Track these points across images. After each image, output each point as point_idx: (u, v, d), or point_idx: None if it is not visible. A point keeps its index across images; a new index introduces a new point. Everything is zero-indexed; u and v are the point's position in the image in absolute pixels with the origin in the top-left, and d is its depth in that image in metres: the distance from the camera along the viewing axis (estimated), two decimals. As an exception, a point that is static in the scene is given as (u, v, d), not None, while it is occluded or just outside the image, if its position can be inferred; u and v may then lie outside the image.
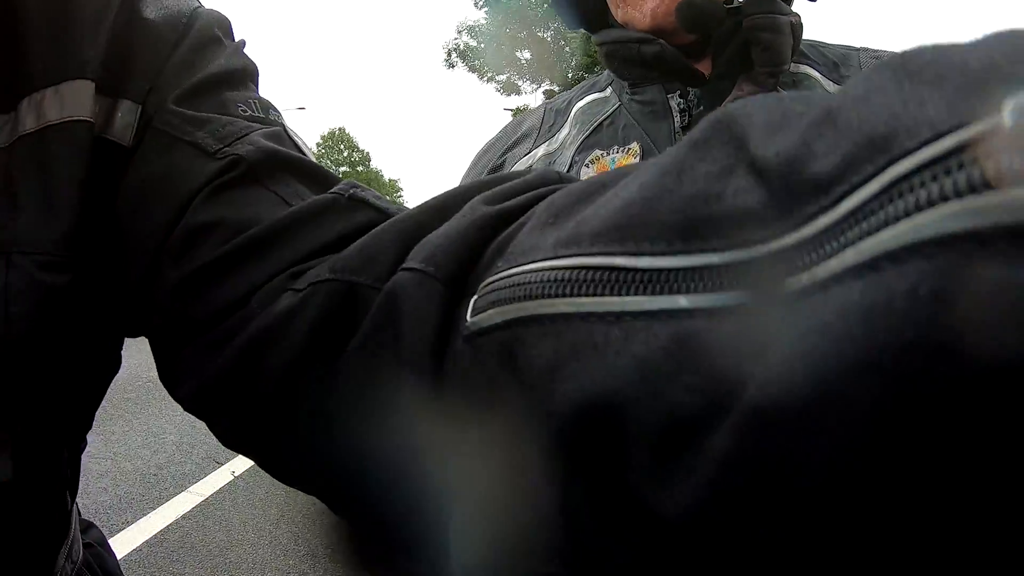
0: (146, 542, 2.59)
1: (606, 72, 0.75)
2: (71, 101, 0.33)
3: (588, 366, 0.17)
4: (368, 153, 38.07)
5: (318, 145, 37.28)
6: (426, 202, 0.29)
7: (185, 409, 0.33)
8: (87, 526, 0.49)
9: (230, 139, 0.33)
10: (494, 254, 0.23)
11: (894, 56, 0.14)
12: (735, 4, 0.62)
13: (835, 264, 0.13)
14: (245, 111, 0.35)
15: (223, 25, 0.39)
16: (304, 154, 0.36)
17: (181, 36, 0.36)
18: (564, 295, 0.18)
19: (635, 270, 0.16)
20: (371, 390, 0.25)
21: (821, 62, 0.69)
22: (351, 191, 0.32)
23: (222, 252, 0.30)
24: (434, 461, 0.23)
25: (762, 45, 0.62)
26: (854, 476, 0.12)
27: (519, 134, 0.77)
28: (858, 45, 0.72)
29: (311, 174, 0.35)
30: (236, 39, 0.40)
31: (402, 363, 0.24)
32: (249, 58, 0.39)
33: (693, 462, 0.15)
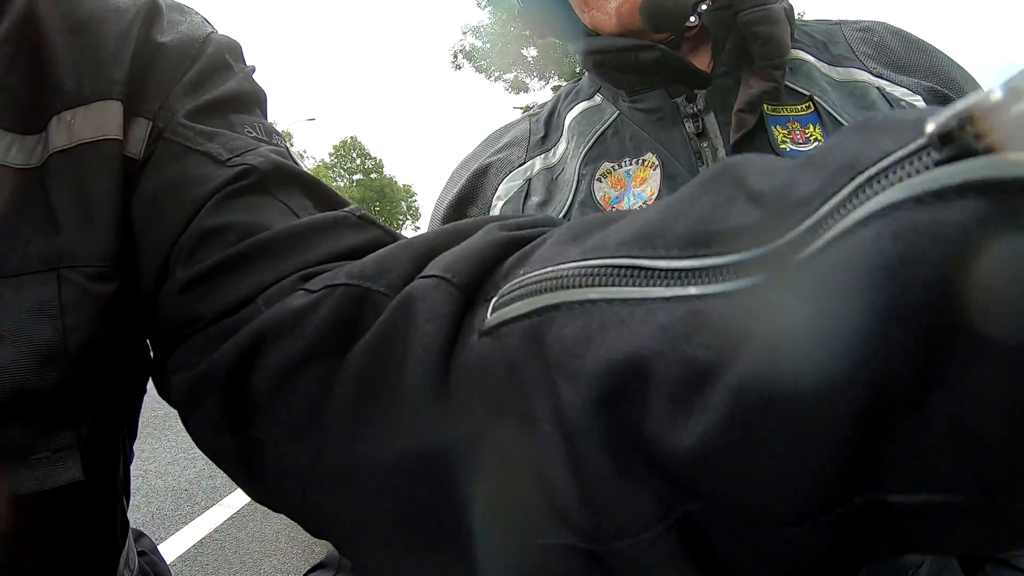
0: (179, 557, 2.60)
1: (586, 77, 0.71)
2: (103, 121, 0.35)
3: (618, 335, 0.20)
4: (381, 160, 38.39)
5: (330, 155, 37.67)
6: (441, 228, 0.30)
7: (170, 402, 0.33)
8: (138, 535, 0.52)
9: (240, 151, 0.35)
10: (513, 266, 0.25)
11: (857, 120, 0.19)
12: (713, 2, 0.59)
13: (816, 245, 0.17)
14: (250, 132, 0.37)
15: (234, 51, 0.42)
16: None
17: (194, 59, 0.38)
18: (594, 285, 0.21)
19: (655, 269, 0.20)
20: (373, 390, 0.26)
21: (811, 44, 0.66)
22: (360, 212, 0.35)
23: (232, 252, 0.32)
24: (441, 453, 0.24)
25: (761, 39, 0.59)
26: (839, 413, 0.16)
27: (502, 144, 0.73)
28: (835, 19, 0.69)
29: (318, 191, 0.37)
30: (247, 64, 0.42)
31: (409, 357, 0.25)
32: (258, 84, 0.42)
33: (708, 401, 0.18)
